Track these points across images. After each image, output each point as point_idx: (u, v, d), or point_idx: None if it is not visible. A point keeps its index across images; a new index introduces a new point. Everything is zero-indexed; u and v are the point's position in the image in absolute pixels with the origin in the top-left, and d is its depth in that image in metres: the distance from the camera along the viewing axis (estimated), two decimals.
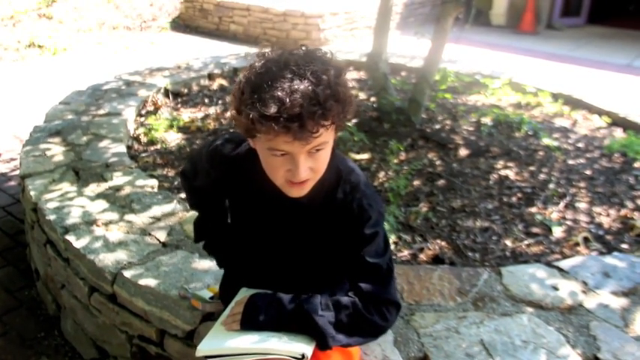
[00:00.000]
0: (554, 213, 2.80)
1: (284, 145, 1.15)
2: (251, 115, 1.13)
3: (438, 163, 3.30)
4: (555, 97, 4.47)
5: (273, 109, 1.10)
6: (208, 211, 1.64)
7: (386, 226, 2.38)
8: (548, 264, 2.20)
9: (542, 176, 3.18)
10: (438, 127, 3.83)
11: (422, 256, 2.44)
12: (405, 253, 2.44)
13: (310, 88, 1.11)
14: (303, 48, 1.21)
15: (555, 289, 2.01)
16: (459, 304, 1.93)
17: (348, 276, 1.38)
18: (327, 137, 1.20)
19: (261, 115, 1.11)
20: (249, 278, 1.52)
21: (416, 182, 3.06)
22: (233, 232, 1.55)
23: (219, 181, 1.48)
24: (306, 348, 1.29)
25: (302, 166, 1.20)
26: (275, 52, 1.20)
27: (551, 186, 3.06)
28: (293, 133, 1.12)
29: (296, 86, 1.11)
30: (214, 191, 1.55)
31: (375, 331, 1.42)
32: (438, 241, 2.54)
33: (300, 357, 1.27)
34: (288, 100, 1.09)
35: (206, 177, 1.53)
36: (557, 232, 2.62)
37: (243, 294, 1.45)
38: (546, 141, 3.61)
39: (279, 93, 1.10)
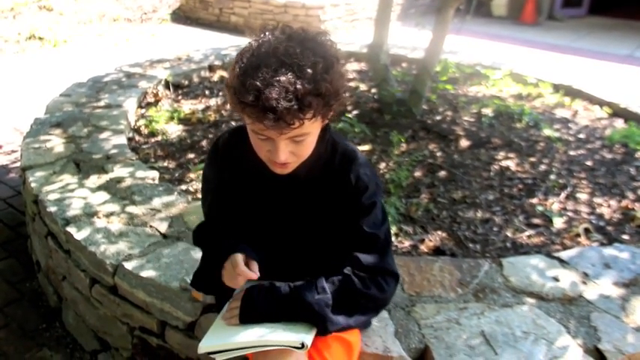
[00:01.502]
0: (554, 204, 2.79)
1: (263, 130, 1.18)
2: (232, 98, 1.18)
3: (438, 154, 3.28)
4: (556, 88, 4.45)
5: (250, 98, 1.12)
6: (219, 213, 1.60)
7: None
8: (549, 255, 2.19)
9: (543, 167, 3.17)
10: (438, 118, 3.81)
11: (423, 248, 2.43)
12: (406, 245, 2.43)
13: (292, 80, 1.11)
14: (304, 33, 1.20)
15: (556, 280, 2.01)
16: (459, 296, 1.92)
17: (346, 247, 1.38)
18: (309, 128, 1.20)
19: (240, 101, 1.15)
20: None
21: (417, 173, 3.05)
22: (234, 220, 1.54)
23: (223, 172, 1.47)
24: (306, 337, 1.29)
25: (281, 150, 1.22)
26: (273, 35, 1.19)
27: (552, 177, 3.05)
28: (268, 123, 1.14)
29: (277, 77, 1.11)
30: (222, 189, 1.52)
31: (375, 304, 1.43)
32: (439, 232, 2.53)
33: (300, 346, 1.27)
34: (266, 91, 1.10)
35: (215, 174, 1.51)
36: (558, 223, 2.61)
37: (241, 288, 1.44)
38: (547, 132, 3.59)
39: (259, 83, 1.11)
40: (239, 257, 1.33)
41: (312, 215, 1.41)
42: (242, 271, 1.30)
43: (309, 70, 1.13)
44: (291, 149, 1.24)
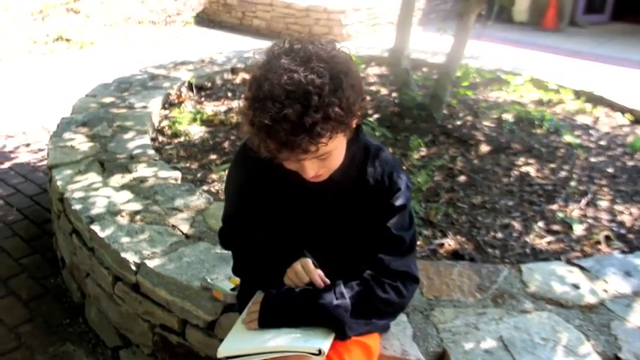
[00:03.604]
0: (575, 211, 2.75)
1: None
2: (246, 130, 1.20)
3: (458, 159, 3.27)
4: (577, 94, 4.39)
5: (262, 135, 1.15)
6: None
7: None
8: (569, 262, 2.17)
9: (563, 173, 3.13)
10: (459, 123, 3.79)
11: (442, 252, 2.41)
12: (425, 249, 2.42)
13: (299, 113, 1.10)
14: (310, 48, 1.18)
15: (576, 287, 1.98)
16: (478, 301, 1.90)
17: (371, 248, 1.38)
18: (330, 146, 1.20)
19: (253, 135, 1.18)
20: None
21: (436, 178, 3.03)
22: (264, 223, 1.54)
23: (251, 175, 1.47)
24: (323, 343, 1.29)
25: (308, 169, 1.24)
26: (279, 57, 1.17)
27: (573, 183, 3.01)
28: (285, 154, 1.17)
29: (284, 112, 1.10)
30: (252, 192, 1.52)
31: (393, 309, 1.42)
32: (458, 237, 2.52)
33: (317, 352, 1.27)
34: (273, 128, 1.11)
35: (244, 177, 1.50)
36: (578, 229, 2.58)
37: (260, 294, 1.45)
38: (568, 138, 3.55)
39: (267, 121, 1.11)
40: (309, 262, 1.39)
41: (345, 217, 1.41)
42: (315, 276, 1.36)
43: (315, 98, 1.11)
44: (319, 165, 1.25)
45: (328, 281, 1.37)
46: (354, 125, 1.26)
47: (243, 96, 1.22)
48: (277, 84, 1.12)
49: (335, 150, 1.24)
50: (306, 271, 1.37)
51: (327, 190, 1.38)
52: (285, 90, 1.12)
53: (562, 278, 2.03)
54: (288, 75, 1.13)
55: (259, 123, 1.13)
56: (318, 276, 1.37)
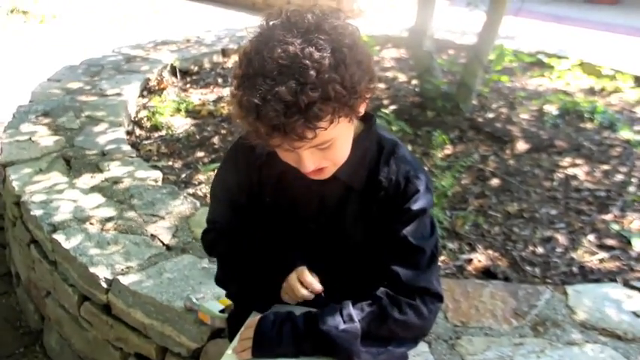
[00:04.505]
0: (634, 222, 2.75)
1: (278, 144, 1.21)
2: (235, 112, 1.20)
3: (491, 158, 3.27)
4: (638, 81, 4.39)
5: (251, 117, 1.15)
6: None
7: None
8: (627, 284, 2.17)
9: (619, 177, 3.13)
10: (491, 116, 3.80)
11: (470, 269, 2.42)
12: (451, 265, 2.42)
13: (293, 90, 1.11)
14: (311, 18, 1.18)
15: (637, 315, 1.98)
16: (514, 329, 1.91)
17: (384, 260, 1.39)
18: (332, 133, 1.20)
19: (242, 118, 1.17)
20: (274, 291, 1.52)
21: (464, 181, 3.04)
22: (260, 229, 1.56)
23: (246, 177, 1.48)
24: None
25: (307, 160, 1.24)
26: (274, 27, 1.19)
27: (631, 189, 3.02)
28: (277, 141, 1.16)
29: (276, 89, 1.11)
30: (245, 196, 1.54)
31: (412, 333, 1.41)
32: (490, 251, 2.52)
33: None
34: (264, 108, 1.12)
35: (237, 179, 1.52)
36: (638, 245, 2.58)
37: (255, 316, 1.45)
38: (625, 134, 3.55)
39: (256, 100, 1.12)
40: (305, 269, 1.38)
41: (354, 224, 1.42)
42: (310, 283, 1.36)
43: (312, 73, 1.12)
44: (320, 156, 1.25)
45: (320, 288, 1.37)
46: (360, 110, 1.27)
47: (232, 75, 1.23)
48: (269, 58, 1.13)
49: (338, 139, 1.24)
50: (303, 281, 1.36)
51: (332, 192, 1.39)
52: (278, 64, 1.13)
53: (618, 303, 2.03)
54: (282, 48, 1.13)
55: (248, 103, 1.13)
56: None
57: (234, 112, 1.21)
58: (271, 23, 1.21)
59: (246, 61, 1.18)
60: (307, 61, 1.12)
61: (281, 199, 1.45)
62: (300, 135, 1.14)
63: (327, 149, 1.24)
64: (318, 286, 1.36)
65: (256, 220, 1.49)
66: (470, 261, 2.47)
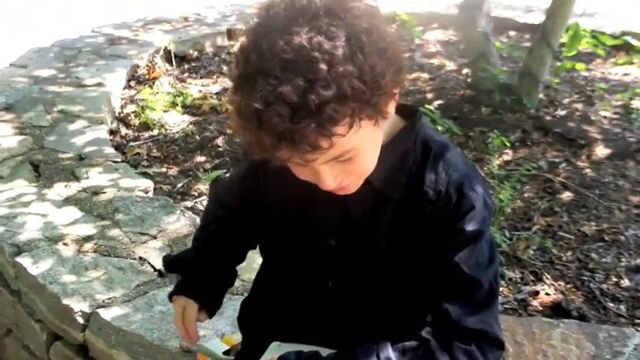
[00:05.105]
0: None
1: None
2: (234, 124, 1.20)
3: (561, 166, 3.26)
4: None
5: (252, 126, 1.12)
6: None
7: None
8: None
9: None
10: (562, 113, 3.78)
11: (535, 304, 2.41)
12: (511, 299, 2.41)
13: (300, 89, 1.09)
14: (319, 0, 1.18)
15: None
16: None
17: (430, 294, 1.37)
18: (353, 142, 1.16)
19: (243, 128, 1.16)
20: (289, 322, 1.52)
21: (528, 194, 3.03)
22: (269, 258, 1.56)
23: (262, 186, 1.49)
24: None
25: (325, 177, 1.22)
26: (277, 14, 1.18)
27: None
28: (286, 152, 1.13)
29: (279, 89, 1.09)
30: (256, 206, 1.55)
31: None
32: (561, 282, 2.51)
33: None
34: (266, 113, 1.09)
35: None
36: None
37: (275, 351, 1.45)
38: None
39: (257, 104, 1.10)
40: (193, 307, 1.55)
41: (388, 241, 1.41)
42: (185, 327, 1.54)
43: (322, 67, 1.09)
44: (341, 170, 1.22)
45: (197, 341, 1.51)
46: (388, 110, 1.23)
47: (229, 77, 1.23)
48: (270, 52, 1.12)
49: (362, 148, 1.21)
50: (185, 313, 1.55)
51: (361, 199, 1.37)
52: (281, 60, 1.10)
53: None
54: (285, 39, 1.11)
55: (247, 108, 1.12)
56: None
57: (233, 122, 1.19)
58: (271, 9, 1.19)
59: (243, 58, 1.16)
60: (316, 53, 1.09)
61: (290, 204, 1.45)
62: (312, 144, 1.11)
63: (349, 161, 1.21)
64: (189, 334, 1.57)
65: (255, 232, 1.52)
66: (535, 294, 2.45)
